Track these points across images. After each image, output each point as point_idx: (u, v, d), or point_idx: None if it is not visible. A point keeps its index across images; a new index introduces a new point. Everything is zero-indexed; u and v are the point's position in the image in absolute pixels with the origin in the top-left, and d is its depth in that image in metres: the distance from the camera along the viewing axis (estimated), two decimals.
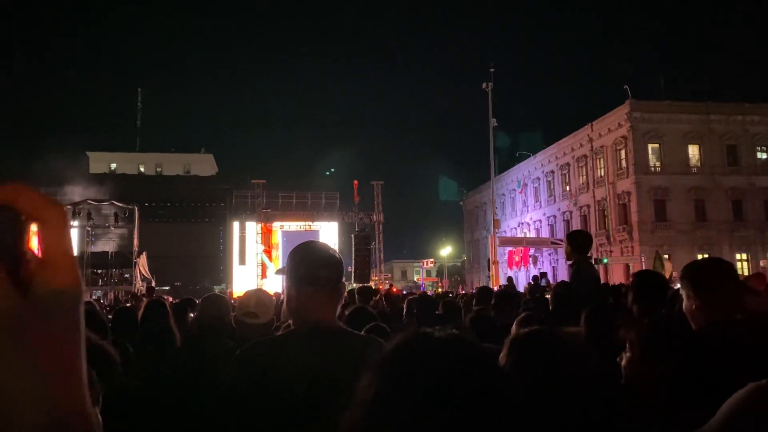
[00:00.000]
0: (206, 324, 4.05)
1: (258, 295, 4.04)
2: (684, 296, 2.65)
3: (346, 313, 4.19)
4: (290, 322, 2.45)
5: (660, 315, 2.89)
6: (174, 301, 17.95)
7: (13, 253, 0.49)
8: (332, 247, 2.52)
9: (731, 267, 2.84)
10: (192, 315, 7.79)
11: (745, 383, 1.31)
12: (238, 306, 3.99)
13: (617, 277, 38.69)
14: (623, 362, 2.41)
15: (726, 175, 44.79)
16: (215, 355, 3.51)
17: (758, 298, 4.29)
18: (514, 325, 3.93)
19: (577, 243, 5.54)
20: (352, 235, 44.37)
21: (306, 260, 2.28)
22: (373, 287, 11.09)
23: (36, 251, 0.51)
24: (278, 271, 2.64)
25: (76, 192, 42.18)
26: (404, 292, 24.93)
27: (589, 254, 6.09)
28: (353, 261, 42.16)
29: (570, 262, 5.48)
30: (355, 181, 48.42)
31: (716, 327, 2.45)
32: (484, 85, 36.03)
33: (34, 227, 0.52)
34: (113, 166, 59.83)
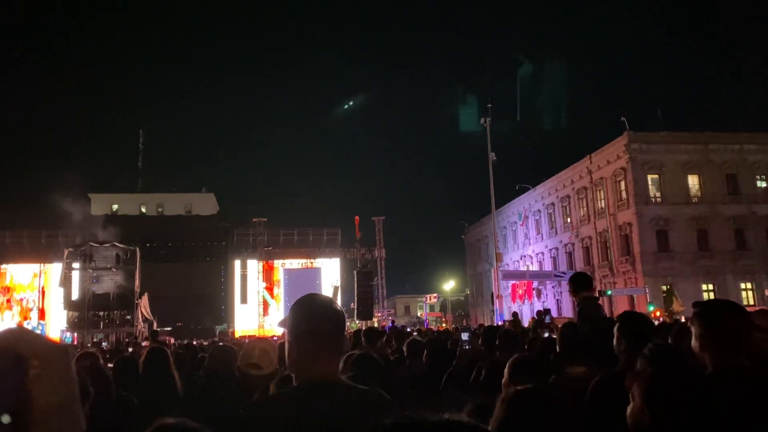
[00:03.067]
0: (214, 375, 4.02)
1: (261, 345, 4.01)
2: (693, 335, 2.64)
3: (351, 360, 4.14)
4: (290, 376, 2.44)
5: (666, 362, 2.85)
6: (175, 344, 17.80)
7: (14, 399, 0.48)
8: (335, 300, 2.53)
9: (742, 309, 2.84)
10: (190, 356, 7.74)
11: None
12: (241, 356, 3.95)
13: (622, 308, 38.41)
14: (628, 411, 2.37)
15: (727, 204, 44.81)
16: (224, 407, 3.47)
17: (765, 336, 4.23)
18: (506, 368, 3.88)
19: (575, 283, 5.56)
20: (355, 272, 44.21)
21: (307, 315, 2.28)
22: (379, 329, 10.94)
23: (38, 395, 0.50)
24: (280, 324, 2.64)
25: (78, 234, 42.23)
26: (408, 329, 24.73)
27: (591, 291, 6.08)
28: (356, 297, 41.94)
29: (576, 302, 5.50)
30: (356, 217, 48.48)
31: (723, 372, 2.43)
32: (482, 121, 36.30)
33: (35, 370, 0.51)
34: (115, 207, 60.04)
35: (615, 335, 3.59)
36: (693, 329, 2.68)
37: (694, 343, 2.65)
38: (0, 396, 0.47)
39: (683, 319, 16.59)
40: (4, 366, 0.48)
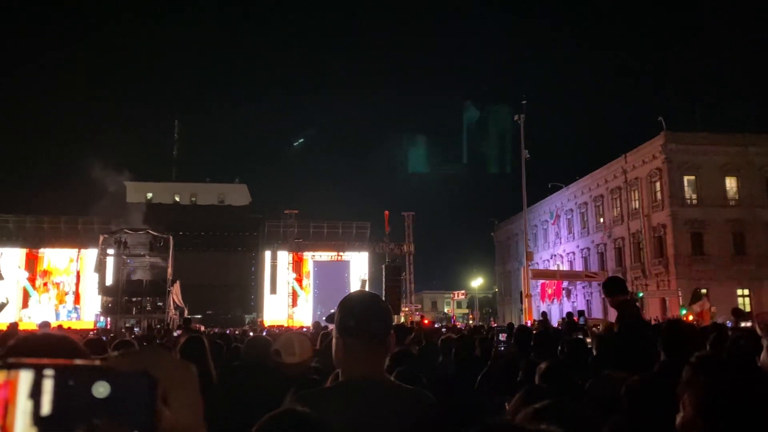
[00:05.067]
0: (252, 367, 4.07)
1: (297, 338, 4.06)
2: (765, 349, 2.56)
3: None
4: (339, 372, 2.45)
5: (720, 372, 2.79)
6: (206, 331, 18.05)
7: (148, 420, 0.52)
8: (382, 298, 2.52)
9: None
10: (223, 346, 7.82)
11: None
12: (275, 348, 3.99)
13: (653, 311, 37.82)
14: (678, 421, 2.32)
15: (765, 207, 43.66)
16: (260, 398, 3.50)
17: None
18: (536, 378, 3.87)
19: (609, 287, 5.48)
20: (383, 266, 44.29)
21: (355, 312, 2.27)
22: (407, 326, 10.90)
23: (166, 417, 0.54)
24: (327, 319, 2.65)
25: (113, 221, 43.07)
26: (436, 326, 24.71)
27: (626, 295, 5.98)
28: (383, 292, 42.00)
29: (614, 307, 5.42)
30: (386, 212, 48.51)
31: None
32: (516, 117, 36.00)
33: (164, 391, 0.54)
34: (149, 195, 60.93)
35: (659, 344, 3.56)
36: (765, 343, 2.60)
37: (765, 358, 2.57)
38: (133, 417, 0.51)
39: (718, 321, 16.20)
40: (137, 388, 0.52)
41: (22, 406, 0.49)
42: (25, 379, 0.50)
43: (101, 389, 0.51)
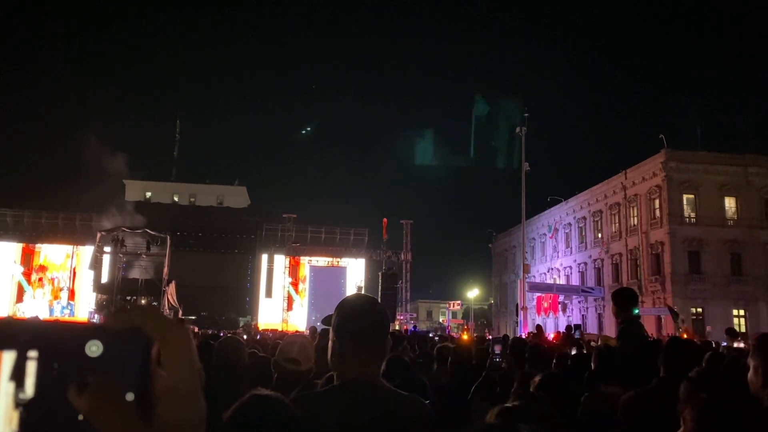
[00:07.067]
0: (221, 369, 4.04)
1: (302, 342, 4.01)
2: (752, 368, 2.54)
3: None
4: (333, 375, 2.43)
5: (717, 388, 2.77)
6: (199, 332, 17.94)
7: (142, 379, 0.51)
8: (378, 301, 2.51)
9: None
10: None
11: None
12: (279, 351, 3.95)
13: (649, 328, 37.74)
14: None
15: (764, 228, 43.76)
16: (229, 402, 3.48)
17: None
18: (532, 387, 3.85)
19: (621, 300, 5.42)
20: (379, 273, 44.25)
21: (352, 315, 2.28)
22: (401, 333, 10.88)
23: (161, 376, 0.53)
24: (324, 321, 2.63)
25: (111, 219, 43.03)
26: (430, 335, 24.65)
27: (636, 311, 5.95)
28: (379, 299, 41.56)
29: (618, 321, 5.36)
30: (384, 219, 48.53)
31: None
32: (518, 130, 35.97)
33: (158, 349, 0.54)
34: (148, 194, 60.80)
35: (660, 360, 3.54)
36: (751, 362, 2.57)
37: (752, 376, 2.54)
38: (126, 376, 0.50)
39: (714, 344, 16.18)
40: (131, 347, 0.51)
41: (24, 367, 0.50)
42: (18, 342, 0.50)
43: (94, 348, 0.50)
